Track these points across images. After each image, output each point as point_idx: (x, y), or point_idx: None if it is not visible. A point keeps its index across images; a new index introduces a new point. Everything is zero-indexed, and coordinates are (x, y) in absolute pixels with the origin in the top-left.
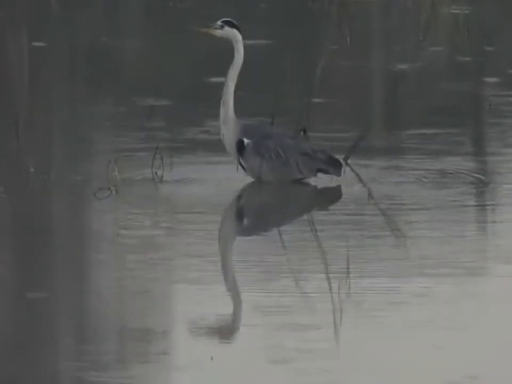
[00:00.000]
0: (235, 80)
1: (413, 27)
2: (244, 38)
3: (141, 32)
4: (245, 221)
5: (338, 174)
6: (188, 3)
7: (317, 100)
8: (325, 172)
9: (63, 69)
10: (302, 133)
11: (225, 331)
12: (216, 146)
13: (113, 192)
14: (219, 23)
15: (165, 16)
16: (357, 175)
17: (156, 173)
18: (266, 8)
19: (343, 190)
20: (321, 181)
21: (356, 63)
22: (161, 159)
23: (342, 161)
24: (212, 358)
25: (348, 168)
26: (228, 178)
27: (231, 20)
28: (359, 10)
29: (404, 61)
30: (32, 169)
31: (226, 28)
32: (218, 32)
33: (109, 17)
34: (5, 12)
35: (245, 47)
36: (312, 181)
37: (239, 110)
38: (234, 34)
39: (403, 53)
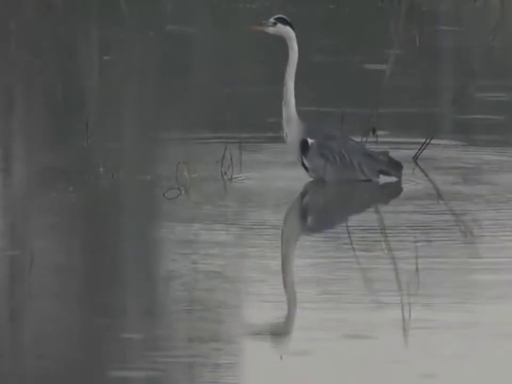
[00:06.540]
0: (293, 78)
1: (483, 26)
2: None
3: (210, 28)
4: (310, 219)
5: (399, 176)
6: (258, 3)
7: (385, 100)
8: (386, 173)
9: (132, 70)
10: (371, 132)
11: (291, 330)
12: (285, 146)
13: (183, 192)
14: (272, 20)
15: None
16: (426, 174)
17: (225, 172)
18: (334, 8)
19: (412, 189)
20: (384, 180)
21: (424, 63)
22: (231, 158)
23: (402, 163)
24: (281, 357)
25: (416, 168)
26: (296, 177)
27: (284, 17)
28: (428, 10)
29: (474, 61)
30: (101, 169)
31: (279, 25)
32: (271, 30)
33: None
34: (75, 11)
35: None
36: (375, 181)
37: (307, 110)
38: (288, 32)
39: (472, 53)
